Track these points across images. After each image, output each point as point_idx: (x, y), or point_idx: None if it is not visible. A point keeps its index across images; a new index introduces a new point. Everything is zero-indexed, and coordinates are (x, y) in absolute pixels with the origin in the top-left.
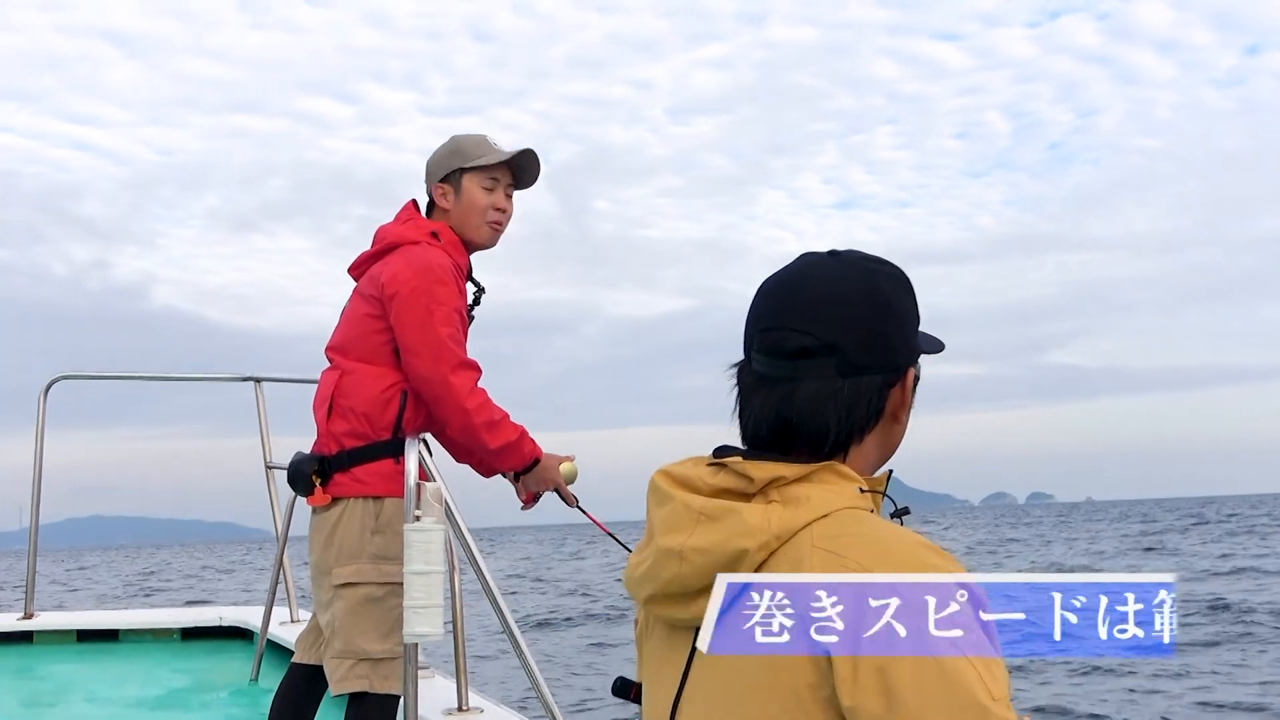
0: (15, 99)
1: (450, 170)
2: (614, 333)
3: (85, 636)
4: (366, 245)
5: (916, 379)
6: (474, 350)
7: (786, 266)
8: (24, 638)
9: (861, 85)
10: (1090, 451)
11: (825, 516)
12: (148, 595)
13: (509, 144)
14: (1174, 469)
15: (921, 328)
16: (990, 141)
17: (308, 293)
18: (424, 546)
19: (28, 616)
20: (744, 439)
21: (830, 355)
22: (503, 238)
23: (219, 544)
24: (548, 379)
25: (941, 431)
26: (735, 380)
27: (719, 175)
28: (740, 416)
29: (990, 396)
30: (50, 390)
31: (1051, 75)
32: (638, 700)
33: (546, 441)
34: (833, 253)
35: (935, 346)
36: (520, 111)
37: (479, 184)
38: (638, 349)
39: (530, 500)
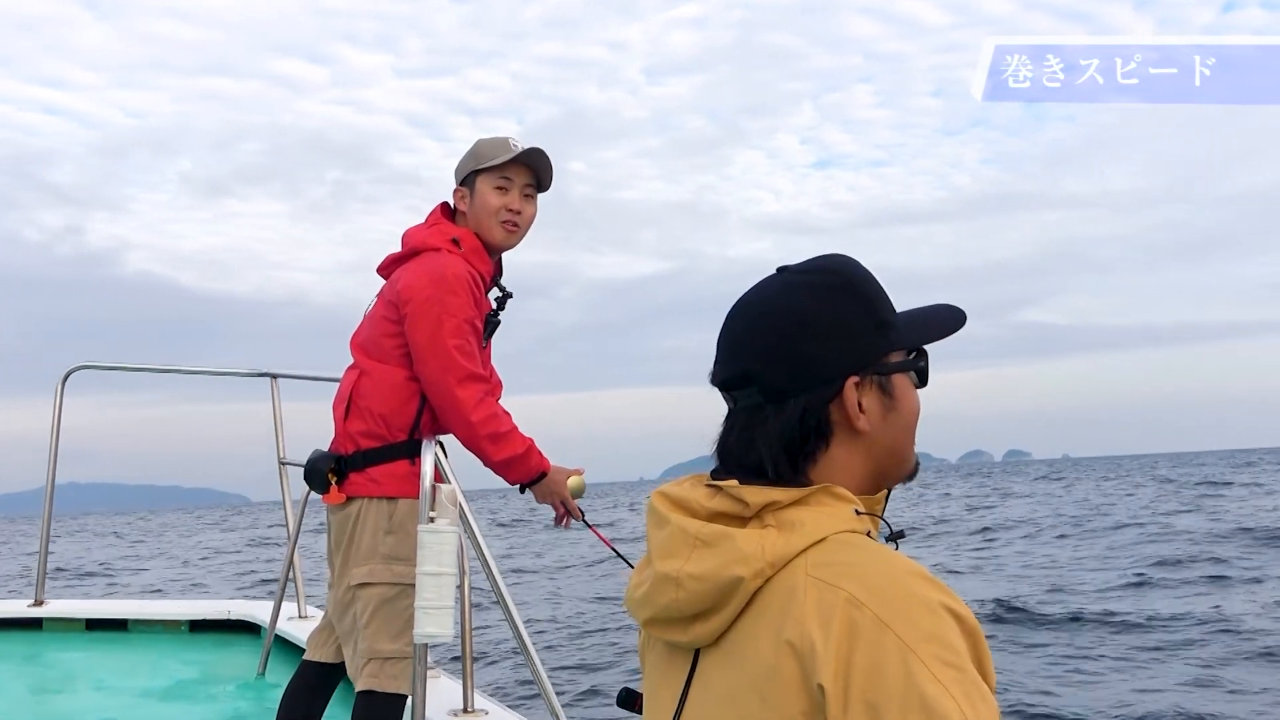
0: None
1: (467, 173)
2: (591, 295)
3: (94, 625)
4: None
5: (921, 372)
6: None
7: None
8: (33, 624)
9: (838, 44)
10: (1067, 409)
11: (820, 542)
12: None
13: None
14: (1150, 425)
15: (901, 291)
16: (967, 99)
17: (283, 257)
18: (437, 548)
19: (38, 604)
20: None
21: (750, 385)
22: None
23: (199, 509)
24: (525, 343)
25: (918, 391)
26: None
27: (696, 136)
28: None
29: (967, 355)
30: (68, 380)
31: (1029, 32)
32: (642, 712)
33: (524, 403)
34: (780, 269)
35: (946, 328)
36: (495, 73)
37: (491, 185)
38: (615, 311)
39: (562, 516)
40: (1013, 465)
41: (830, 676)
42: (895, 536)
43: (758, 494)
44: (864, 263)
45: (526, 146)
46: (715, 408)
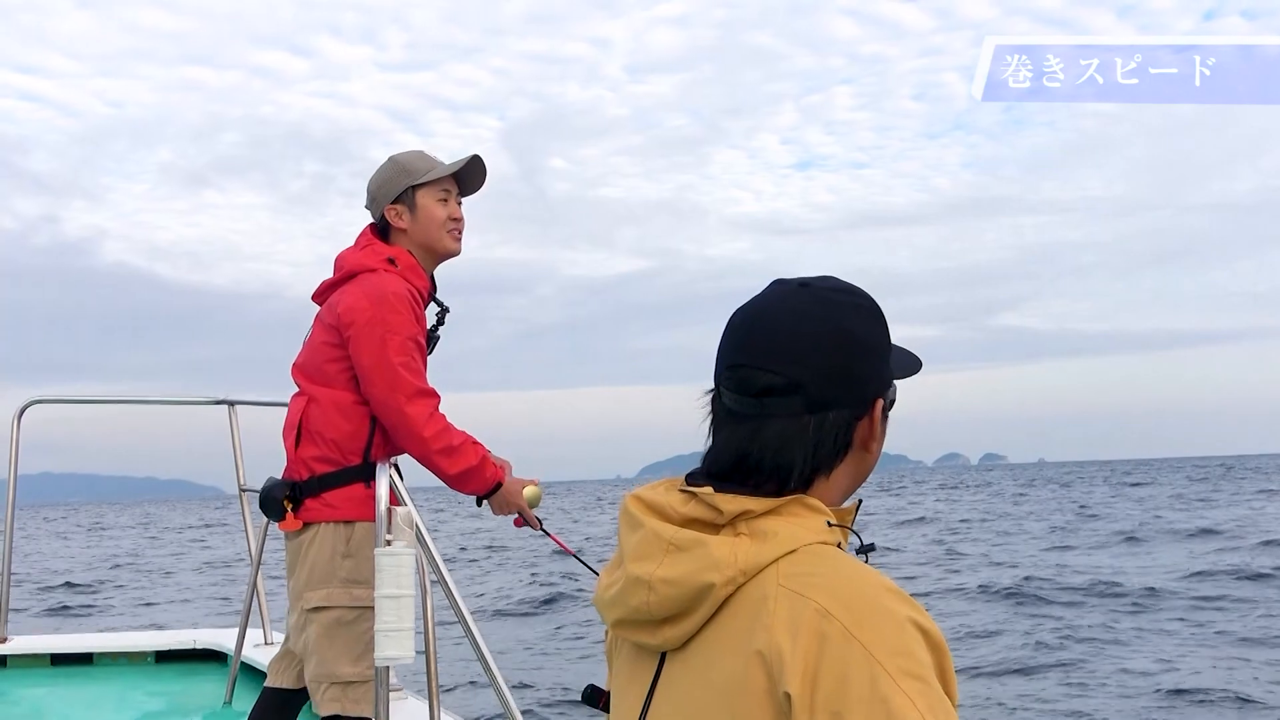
0: None
1: (402, 190)
2: (570, 293)
3: (59, 660)
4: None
5: (891, 403)
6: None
7: (756, 297)
8: None
9: (821, 45)
10: (1042, 413)
11: (791, 552)
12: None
13: (444, 156)
14: (1125, 431)
15: (881, 293)
16: (948, 103)
17: (261, 249)
18: (395, 570)
19: (1, 640)
20: (705, 470)
21: (796, 393)
22: None
23: (173, 501)
24: (503, 339)
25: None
26: (709, 409)
27: (677, 135)
28: (709, 446)
29: (944, 358)
30: (24, 414)
31: (1012, 34)
32: (607, 709)
33: (502, 400)
34: (803, 283)
35: (909, 369)
36: (477, 67)
37: (434, 198)
38: (593, 309)
39: (519, 523)
40: (987, 469)
41: (797, 685)
42: (865, 549)
43: (732, 502)
44: (844, 264)
45: (461, 160)
46: (693, 408)
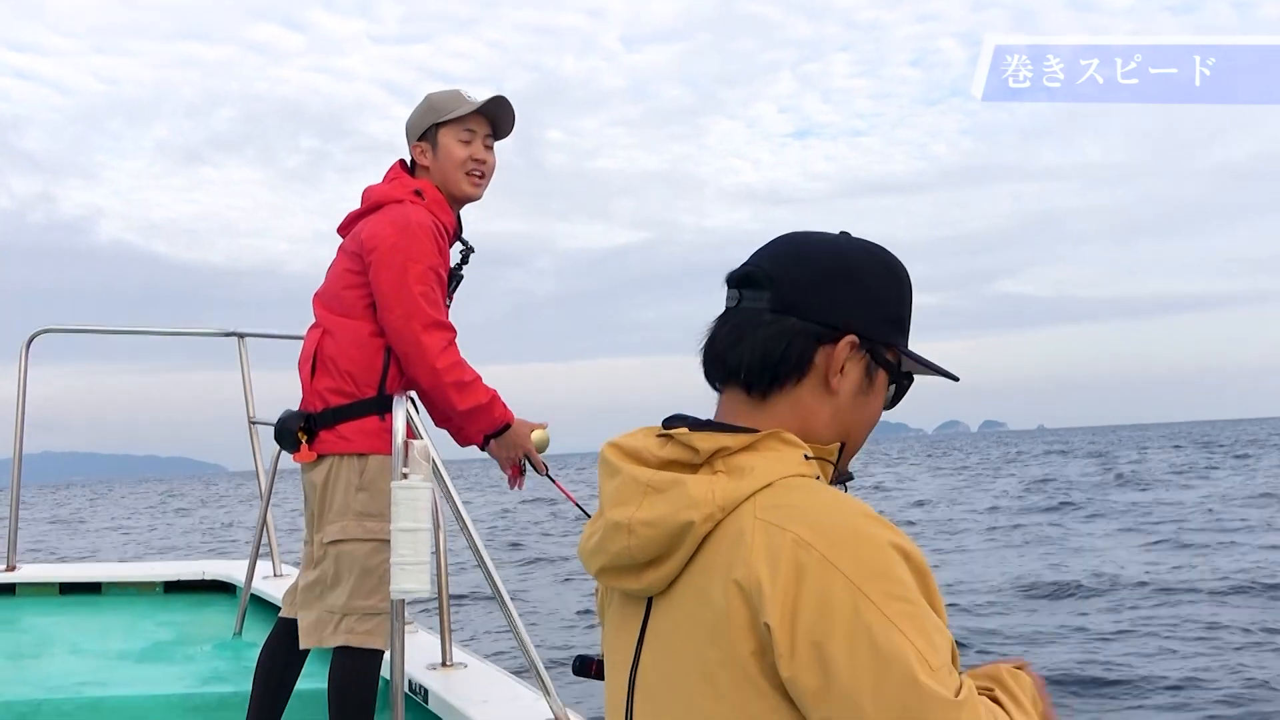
0: None
1: (426, 127)
2: (567, 265)
3: (68, 589)
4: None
5: (902, 390)
6: None
7: None
8: (6, 590)
9: (818, 12)
10: (1041, 380)
11: (768, 486)
12: None
13: (483, 95)
14: (1124, 396)
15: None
16: (945, 69)
17: (258, 225)
18: (411, 504)
19: (10, 569)
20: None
21: (766, 287)
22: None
23: (173, 480)
24: (501, 312)
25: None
26: None
27: (674, 105)
28: None
29: (943, 326)
30: (32, 344)
31: (1007, 2)
32: (598, 676)
33: (499, 373)
34: (843, 233)
35: (931, 369)
36: (472, 39)
37: (455, 137)
38: (590, 281)
39: (515, 475)
40: (988, 436)
41: (776, 616)
42: (844, 479)
43: (708, 440)
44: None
45: (485, 97)
46: (692, 379)
